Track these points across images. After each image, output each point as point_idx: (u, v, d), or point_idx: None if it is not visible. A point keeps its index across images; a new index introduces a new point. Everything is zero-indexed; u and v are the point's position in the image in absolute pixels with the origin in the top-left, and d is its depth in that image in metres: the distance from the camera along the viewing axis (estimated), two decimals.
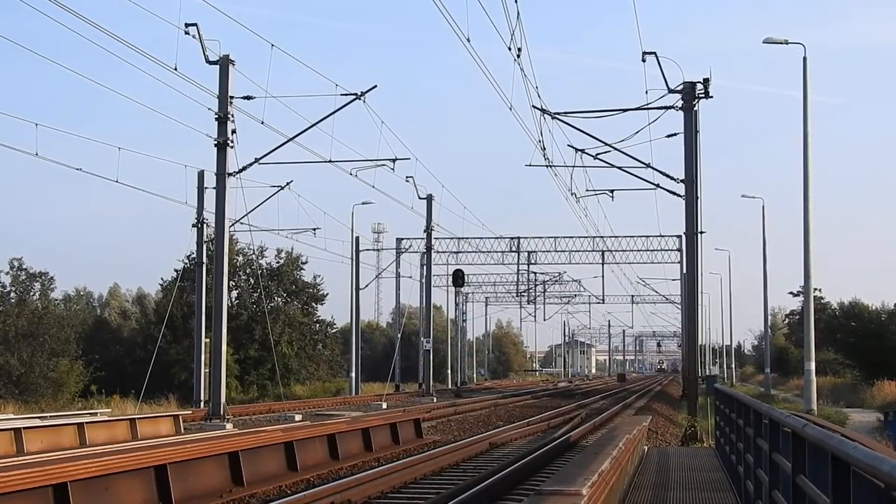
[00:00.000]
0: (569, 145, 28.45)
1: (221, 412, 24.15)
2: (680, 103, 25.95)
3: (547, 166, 29.58)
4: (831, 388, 46.57)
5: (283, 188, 33.36)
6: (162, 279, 59.34)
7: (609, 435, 13.68)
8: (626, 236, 59.46)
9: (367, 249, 64.81)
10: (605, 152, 28.01)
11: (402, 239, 58.66)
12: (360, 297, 51.07)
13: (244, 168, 25.61)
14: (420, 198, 43.30)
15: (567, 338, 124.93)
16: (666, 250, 59.04)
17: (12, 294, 45.38)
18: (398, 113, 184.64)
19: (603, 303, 76.79)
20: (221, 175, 24.83)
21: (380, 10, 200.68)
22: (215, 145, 24.75)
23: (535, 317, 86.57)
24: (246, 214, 30.21)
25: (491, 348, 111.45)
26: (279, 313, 56.96)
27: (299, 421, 24.73)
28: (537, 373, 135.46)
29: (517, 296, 74.11)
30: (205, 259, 35.17)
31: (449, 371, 65.10)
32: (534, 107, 26.61)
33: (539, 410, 34.08)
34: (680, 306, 58.86)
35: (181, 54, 27.07)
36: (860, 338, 55.01)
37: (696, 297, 27.12)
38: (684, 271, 35.84)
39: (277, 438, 15.13)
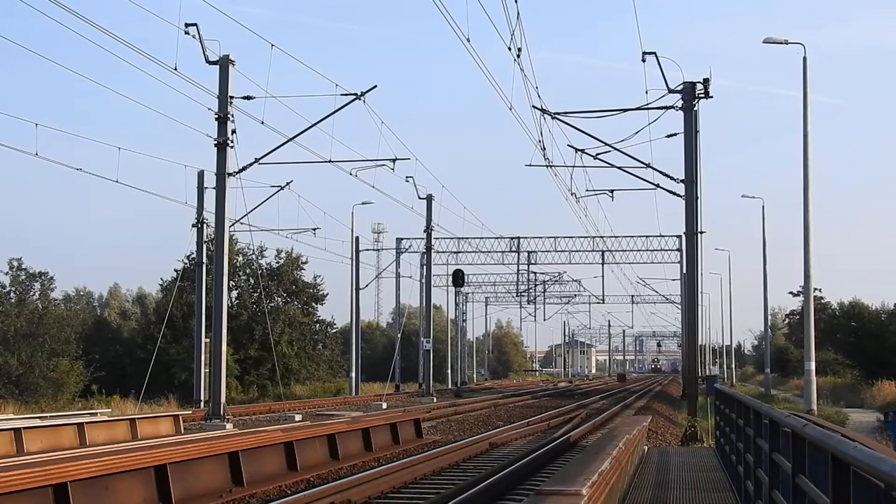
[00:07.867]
0: (569, 145, 28.45)
1: (221, 412, 24.14)
2: (680, 103, 25.93)
3: (547, 166, 29.56)
4: (831, 388, 46.59)
5: (283, 188, 33.44)
6: (162, 279, 59.35)
7: (609, 435, 13.67)
8: (626, 236, 59.52)
9: (367, 249, 64.86)
10: (605, 152, 28.02)
11: (402, 239, 58.73)
12: (360, 297, 51.15)
13: (244, 168, 25.64)
14: (420, 198, 43.32)
15: (567, 338, 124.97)
16: (666, 250, 59.06)
17: (12, 294, 45.37)
18: (398, 113, 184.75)
19: (603, 303, 76.88)
20: (221, 175, 24.83)
21: (380, 10, 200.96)
22: (215, 145, 24.75)
23: (535, 317, 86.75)
24: (246, 214, 30.29)
25: (491, 348, 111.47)
26: (279, 313, 56.92)
27: (299, 421, 24.75)
28: (537, 373, 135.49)
29: (517, 296, 74.13)
30: (205, 259, 35.17)
31: (449, 371, 65.10)
32: (534, 107, 26.60)
33: (539, 410, 34.09)
34: (680, 306, 58.88)
35: (181, 54, 27.10)
36: (860, 338, 55.10)
37: (696, 297, 27.10)
38: (684, 271, 35.84)
39: (277, 438, 15.12)
